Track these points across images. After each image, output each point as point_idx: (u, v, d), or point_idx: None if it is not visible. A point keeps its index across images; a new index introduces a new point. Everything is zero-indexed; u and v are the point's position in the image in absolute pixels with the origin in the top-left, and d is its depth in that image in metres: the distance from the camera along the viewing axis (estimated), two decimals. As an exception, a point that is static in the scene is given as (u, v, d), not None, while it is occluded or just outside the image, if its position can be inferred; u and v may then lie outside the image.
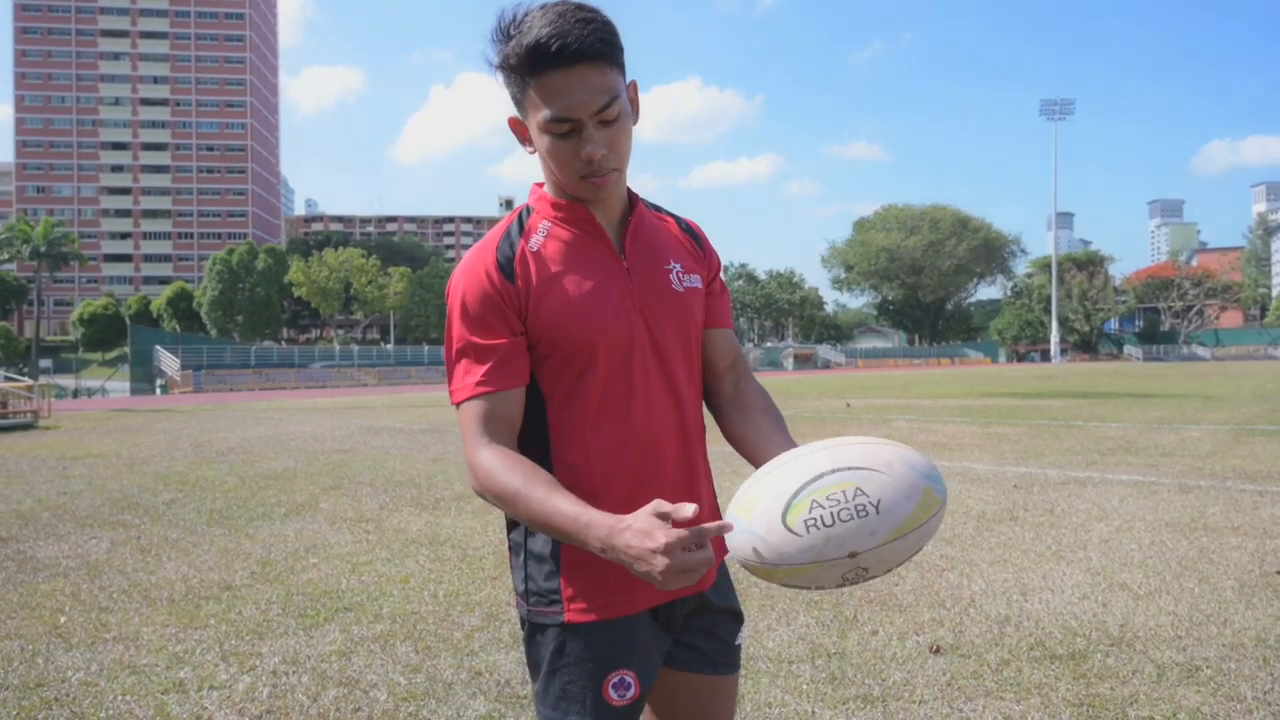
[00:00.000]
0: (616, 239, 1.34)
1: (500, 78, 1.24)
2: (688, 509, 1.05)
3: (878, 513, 1.07)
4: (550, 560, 1.29)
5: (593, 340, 1.27)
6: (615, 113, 1.20)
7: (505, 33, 1.20)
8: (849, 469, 1.10)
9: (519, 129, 1.28)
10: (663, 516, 1.06)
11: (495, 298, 1.26)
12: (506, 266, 1.27)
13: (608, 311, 1.28)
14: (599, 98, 1.18)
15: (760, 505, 1.11)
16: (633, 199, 1.37)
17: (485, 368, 1.26)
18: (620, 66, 1.22)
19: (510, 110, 1.28)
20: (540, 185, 1.36)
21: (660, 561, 1.03)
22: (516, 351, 1.27)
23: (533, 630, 1.32)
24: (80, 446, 11.90)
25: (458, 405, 1.29)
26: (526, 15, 1.19)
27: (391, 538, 5.47)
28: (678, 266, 1.38)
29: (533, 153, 1.29)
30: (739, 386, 1.45)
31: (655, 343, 1.32)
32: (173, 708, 2.87)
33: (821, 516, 1.07)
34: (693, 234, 1.47)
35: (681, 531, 1.04)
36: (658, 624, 1.33)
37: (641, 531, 1.05)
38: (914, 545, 1.11)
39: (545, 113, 1.19)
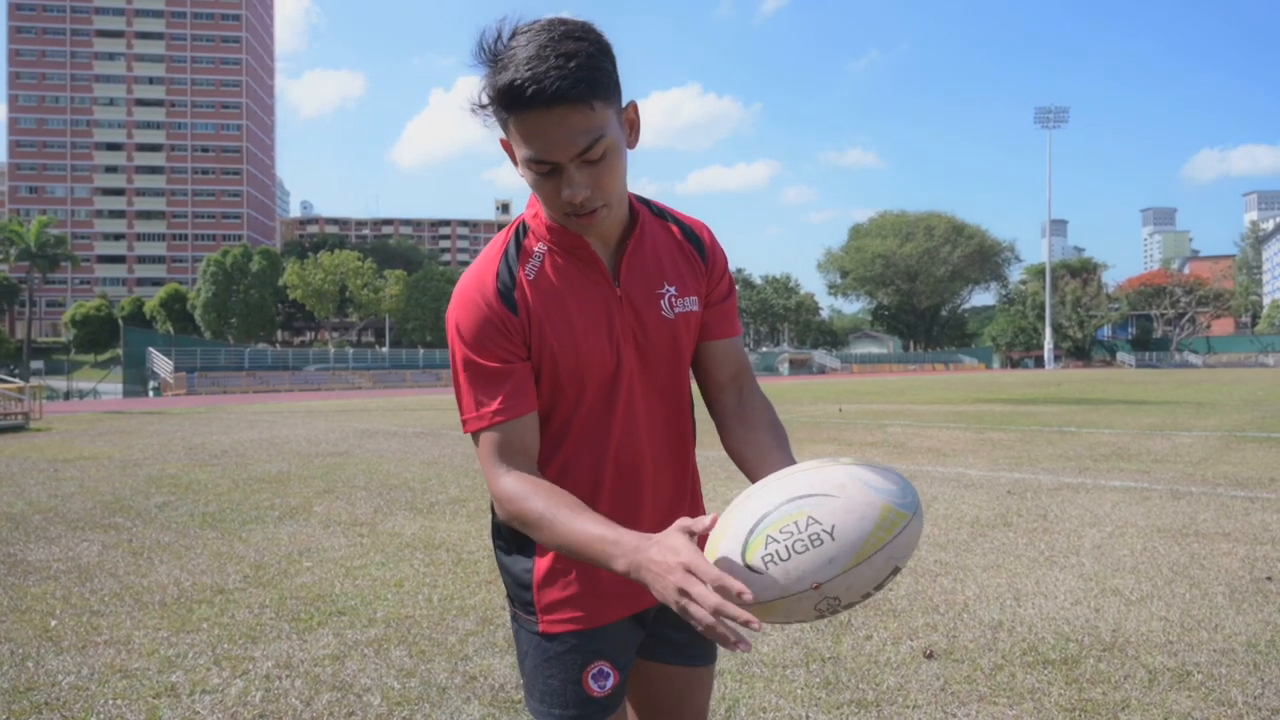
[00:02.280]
0: (612, 264, 1.30)
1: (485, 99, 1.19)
2: (704, 520, 1.05)
3: (833, 539, 1.01)
4: (524, 575, 1.34)
5: (585, 373, 1.28)
6: (599, 152, 1.12)
7: (488, 58, 1.12)
8: (800, 498, 1.05)
9: (511, 151, 1.24)
10: (689, 533, 1.05)
11: (500, 326, 1.24)
12: (507, 296, 1.25)
13: (600, 344, 1.28)
14: (579, 139, 1.10)
15: (721, 547, 1.07)
16: (635, 215, 1.32)
17: (498, 396, 1.24)
18: (609, 98, 1.13)
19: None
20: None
21: (679, 577, 0.99)
22: (526, 377, 1.26)
23: (517, 629, 1.38)
24: (72, 449, 11.83)
25: (473, 434, 1.27)
26: (510, 42, 1.10)
27: (386, 541, 5.46)
28: (672, 290, 1.34)
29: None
30: (742, 398, 1.42)
31: (646, 370, 1.33)
32: (164, 712, 2.86)
33: (777, 551, 1.02)
34: (696, 241, 1.41)
35: (705, 565, 1.00)
36: (631, 618, 1.37)
37: (668, 548, 1.03)
38: (884, 567, 1.04)
39: (525, 151, 1.13)
